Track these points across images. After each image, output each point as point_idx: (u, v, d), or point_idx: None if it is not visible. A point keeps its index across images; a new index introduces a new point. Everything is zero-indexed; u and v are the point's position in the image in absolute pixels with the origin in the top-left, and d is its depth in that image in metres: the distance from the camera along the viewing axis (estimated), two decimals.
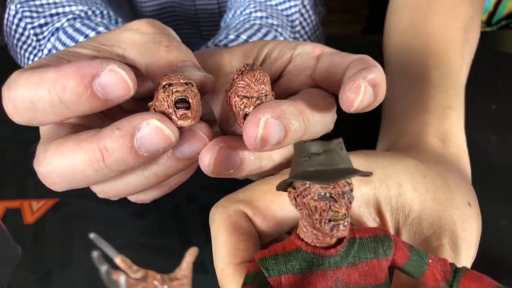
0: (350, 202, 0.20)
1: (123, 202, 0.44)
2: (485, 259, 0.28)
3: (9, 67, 0.30)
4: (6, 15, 0.53)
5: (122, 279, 0.13)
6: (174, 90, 0.24)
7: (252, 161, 0.26)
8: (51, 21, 0.51)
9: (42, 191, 0.46)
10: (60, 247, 0.41)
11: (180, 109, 0.24)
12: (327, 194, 0.19)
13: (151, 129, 0.23)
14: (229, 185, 0.30)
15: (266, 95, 0.25)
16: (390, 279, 0.22)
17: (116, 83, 0.23)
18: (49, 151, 0.25)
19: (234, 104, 0.25)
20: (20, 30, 0.51)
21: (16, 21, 0.52)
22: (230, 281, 0.23)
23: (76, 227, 0.43)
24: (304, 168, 0.19)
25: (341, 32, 1.56)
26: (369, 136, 0.41)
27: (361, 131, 0.41)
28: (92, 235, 0.15)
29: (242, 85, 0.25)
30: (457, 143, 0.35)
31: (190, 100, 0.24)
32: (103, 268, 0.13)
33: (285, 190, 0.21)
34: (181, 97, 0.24)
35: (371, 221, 0.27)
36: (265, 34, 0.49)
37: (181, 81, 0.24)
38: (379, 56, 0.49)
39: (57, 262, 0.40)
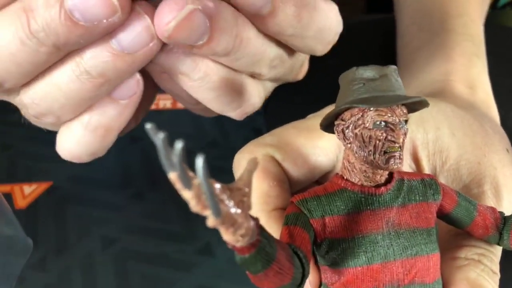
0: (405, 134, 0.18)
1: (121, 185, 0.43)
2: None
3: None
4: None
5: (199, 162, 0.12)
6: None
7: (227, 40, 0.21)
8: None
9: (34, 174, 0.44)
10: (54, 232, 0.39)
11: None
12: (383, 123, 0.18)
13: None
14: (232, 165, 0.27)
15: None
16: None
17: None
18: None
19: None
20: None
21: None
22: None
23: (71, 212, 0.41)
24: (357, 96, 0.18)
25: None
26: None
27: None
28: (148, 125, 0.13)
29: None
30: (485, 90, 0.34)
31: None
32: (177, 150, 0.11)
33: (329, 127, 0.20)
34: None
35: (407, 167, 0.25)
36: None
37: None
38: (383, 34, 0.49)
39: (52, 247, 0.38)
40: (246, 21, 0.21)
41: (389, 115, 0.18)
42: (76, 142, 0.24)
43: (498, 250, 0.22)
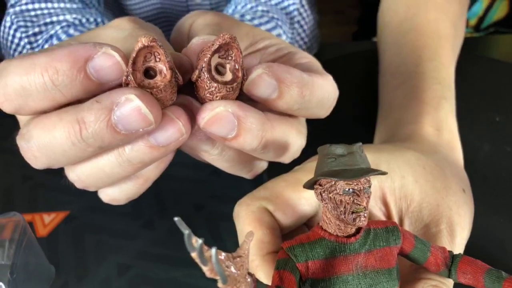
0: (369, 197, 0.23)
1: (134, 214, 0.47)
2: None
3: None
4: (2, 27, 0.54)
5: (213, 251, 0.17)
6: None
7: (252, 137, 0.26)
8: (45, 29, 0.52)
9: (53, 204, 0.48)
10: (74, 259, 0.43)
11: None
12: (350, 190, 0.23)
13: (128, 105, 0.23)
14: (235, 194, 0.32)
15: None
16: None
17: (110, 65, 0.23)
18: (32, 124, 0.25)
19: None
20: (16, 40, 0.53)
21: (11, 32, 0.53)
22: (259, 270, 0.27)
23: (88, 240, 0.44)
24: (330, 168, 0.23)
25: (329, 33, 1.59)
26: (365, 122, 0.46)
27: (361, 120, 0.46)
28: (176, 219, 0.18)
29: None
30: (451, 131, 0.39)
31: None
32: (199, 243, 0.17)
33: (311, 187, 0.25)
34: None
35: (377, 210, 0.30)
36: (269, 30, 0.52)
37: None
38: (369, 63, 0.53)
39: (72, 274, 0.41)
40: (272, 126, 0.27)
41: (355, 183, 0.23)
42: (118, 188, 0.29)
43: (450, 283, 0.27)
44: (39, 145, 0.25)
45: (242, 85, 0.26)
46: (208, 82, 0.25)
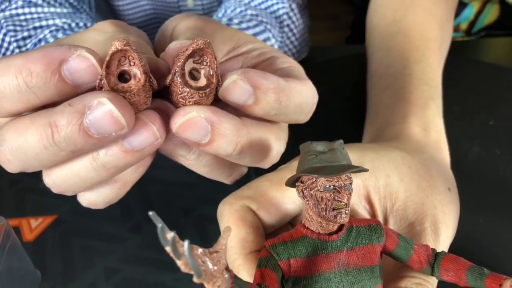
0: (350, 194, 0.23)
1: (122, 217, 0.47)
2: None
3: None
4: None
5: (185, 244, 0.17)
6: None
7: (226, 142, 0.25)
8: (35, 33, 0.52)
9: (40, 208, 0.48)
10: (61, 264, 0.42)
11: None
12: (331, 186, 0.23)
13: (100, 109, 0.23)
14: (223, 197, 0.31)
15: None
16: None
17: (85, 68, 0.23)
18: (5, 128, 0.25)
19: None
20: (5, 45, 0.53)
21: (0, 36, 0.53)
22: (242, 269, 0.26)
23: (76, 244, 0.44)
24: (311, 165, 0.23)
25: (323, 38, 1.60)
26: (355, 125, 0.46)
27: (351, 122, 0.46)
28: (150, 213, 0.18)
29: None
30: (438, 131, 0.39)
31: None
32: (171, 236, 0.16)
33: (293, 184, 0.25)
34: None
35: (362, 209, 0.30)
36: (258, 33, 0.52)
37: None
38: (361, 66, 0.53)
39: (59, 278, 0.41)
40: (248, 132, 0.26)
41: (336, 180, 0.23)
42: (96, 193, 0.29)
43: (434, 281, 0.27)
44: (12, 148, 0.25)
45: (217, 91, 0.26)
46: (181, 86, 0.25)
